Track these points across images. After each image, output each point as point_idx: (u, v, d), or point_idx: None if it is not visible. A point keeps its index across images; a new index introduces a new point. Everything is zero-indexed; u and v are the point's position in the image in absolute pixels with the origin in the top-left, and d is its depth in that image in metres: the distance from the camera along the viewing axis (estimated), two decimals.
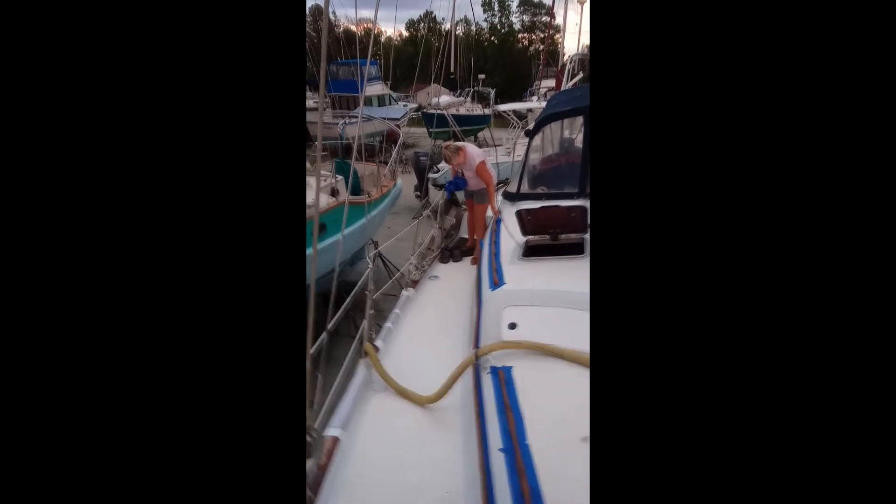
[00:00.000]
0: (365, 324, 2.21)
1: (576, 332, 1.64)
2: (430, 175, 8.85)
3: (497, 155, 7.18)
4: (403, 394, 1.83)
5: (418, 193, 9.56)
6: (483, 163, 3.50)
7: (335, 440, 1.58)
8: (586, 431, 1.24)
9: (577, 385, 1.43)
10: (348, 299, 2.51)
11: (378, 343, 2.20)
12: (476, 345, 1.97)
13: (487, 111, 17.08)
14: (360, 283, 2.29)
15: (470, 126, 16.38)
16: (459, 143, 3.65)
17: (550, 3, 16.91)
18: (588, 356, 1.49)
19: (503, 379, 1.51)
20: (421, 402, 1.78)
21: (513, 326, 1.77)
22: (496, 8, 39.69)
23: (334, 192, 5.22)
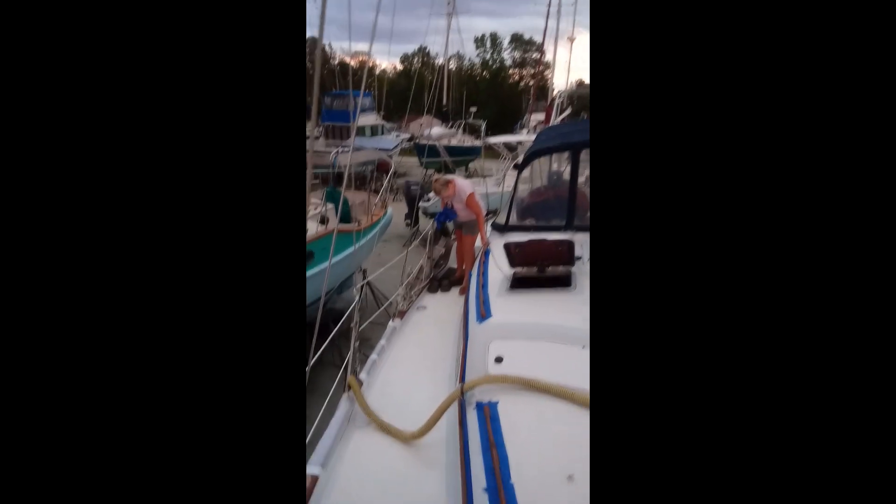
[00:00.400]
0: (349, 357, 2.17)
1: (562, 367, 1.63)
2: (421, 204, 8.93)
3: (487, 185, 7.29)
4: (386, 429, 1.79)
5: (408, 221, 9.62)
6: (472, 195, 3.55)
7: (314, 479, 1.52)
8: (571, 470, 1.21)
9: (562, 422, 1.41)
10: (334, 330, 2.48)
11: (362, 376, 2.16)
12: (462, 378, 1.94)
13: (478, 143, 17.45)
14: (345, 316, 2.27)
15: (461, 157, 16.69)
16: (449, 177, 3.72)
17: (541, 41, 17.61)
18: (574, 392, 1.47)
19: (488, 415, 1.49)
20: (404, 438, 1.73)
21: (499, 360, 1.76)
22: (488, 44, 41.28)
23: (324, 220, 5.23)
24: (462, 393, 1.64)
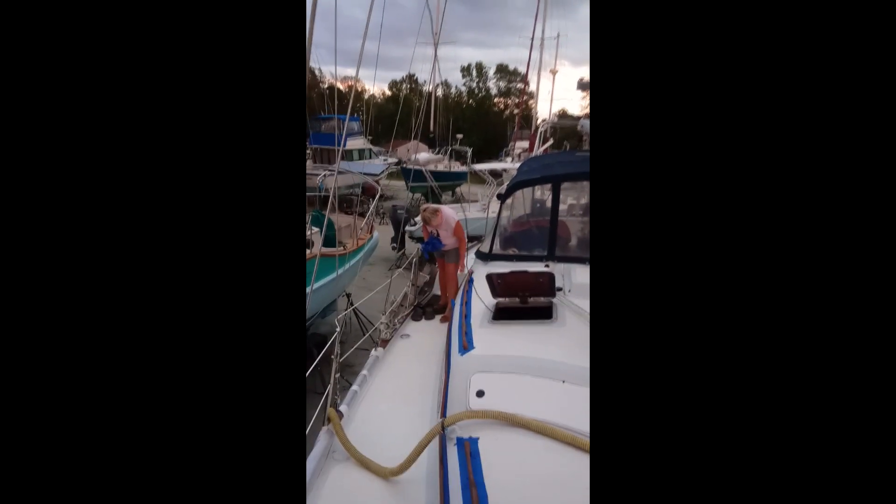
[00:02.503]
0: (330, 389, 2.14)
1: (543, 402, 1.64)
2: (408, 228, 8.96)
3: (471, 211, 7.39)
4: (366, 465, 1.76)
5: (395, 245, 9.62)
6: (458, 223, 3.61)
7: None
8: None
9: (541, 459, 1.41)
10: (318, 357, 2.44)
11: (342, 408, 2.12)
12: (443, 412, 1.93)
13: (464, 168, 17.73)
14: (329, 344, 2.25)
15: (447, 182, 16.88)
16: (436, 206, 3.77)
17: (525, 72, 18.19)
18: (554, 429, 1.48)
19: (468, 451, 1.48)
20: (384, 474, 1.70)
21: (481, 394, 1.76)
22: (474, 73, 42.42)
23: (308, 244, 5.20)
24: (443, 428, 1.63)
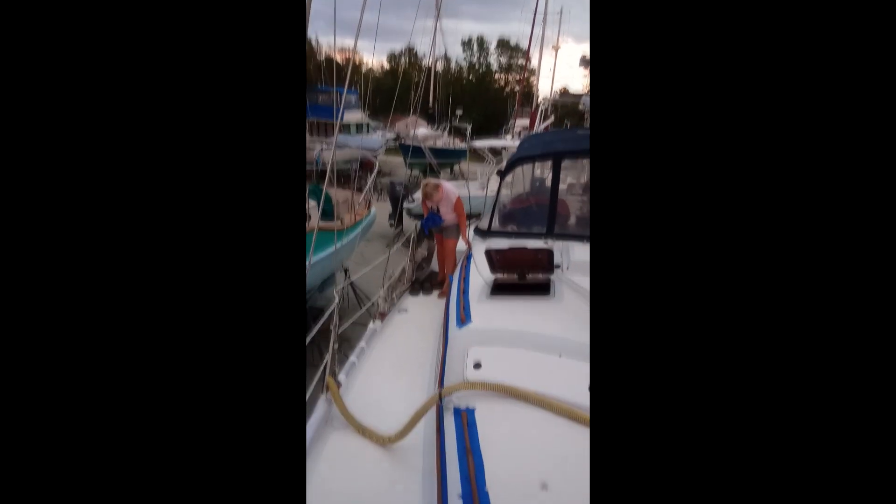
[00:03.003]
0: (328, 358, 2.17)
1: (540, 375, 1.66)
2: (406, 204, 8.91)
3: (470, 189, 7.35)
4: (364, 432, 1.79)
5: (392, 222, 9.58)
6: (459, 199, 3.59)
7: None
8: (545, 478, 1.24)
9: (538, 429, 1.44)
10: (314, 329, 2.46)
11: (341, 377, 2.15)
12: (440, 383, 1.96)
13: (463, 145, 17.54)
14: (325, 316, 2.26)
15: (446, 159, 16.72)
16: (437, 180, 3.74)
17: (526, 47, 17.79)
18: (551, 401, 1.51)
19: (465, 421, 1.51)
20: (381, 441, 1.74)
21: (478, 366, 1.78)
22: (475, 48, 41.47)
23: (306, 217, 5.17)
24: (440, 398, 1.66)
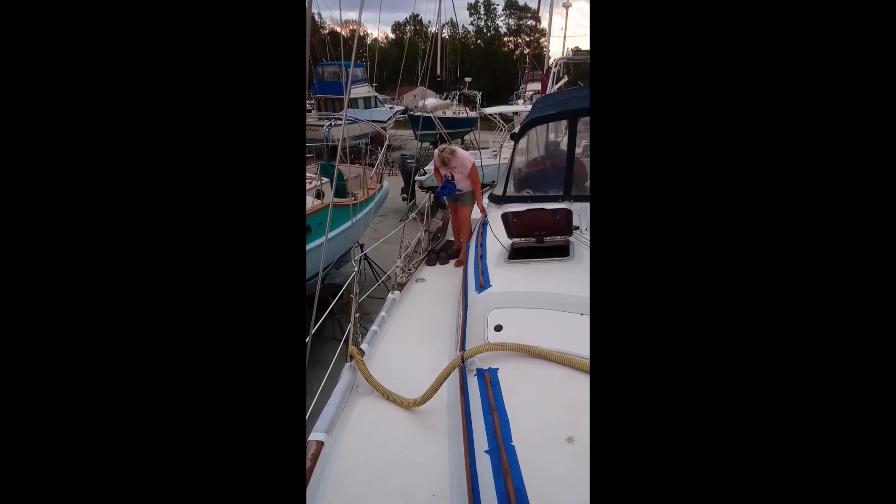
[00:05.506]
0: (350, 327, 2.20)
1: (561, 334, 1.65)
2: (417, 178, 8.84)
3: (482, 157, 7.21)
4: (389, 397, 1.83)
5: (405, 196, 9.54)
6: (474, 165, 3.54)
7: (319, 444, 1.56)
8: (571, 432, 1.25)
9: (561, 386, 1.44)
10: (332, 302, 2.50)
11: (363, 346, 2.19)
12: (462, 347, 1.97)
13: (474, 114, 17.15)
14: (344, 287, 2.29)
15: (456, 129, 16.41)
16: (452, 147, 3.67)
17: (535, 7, 17.03)
18: (573, 357, 1.50)
19: (489, 381, 1.52)
20: (406, 405, 1.77)
21: (499, 328, 1.78)
22: (482, 11, 40.00)
23: (319, 195, 5.18)
24: (463, 360, 1.67)
